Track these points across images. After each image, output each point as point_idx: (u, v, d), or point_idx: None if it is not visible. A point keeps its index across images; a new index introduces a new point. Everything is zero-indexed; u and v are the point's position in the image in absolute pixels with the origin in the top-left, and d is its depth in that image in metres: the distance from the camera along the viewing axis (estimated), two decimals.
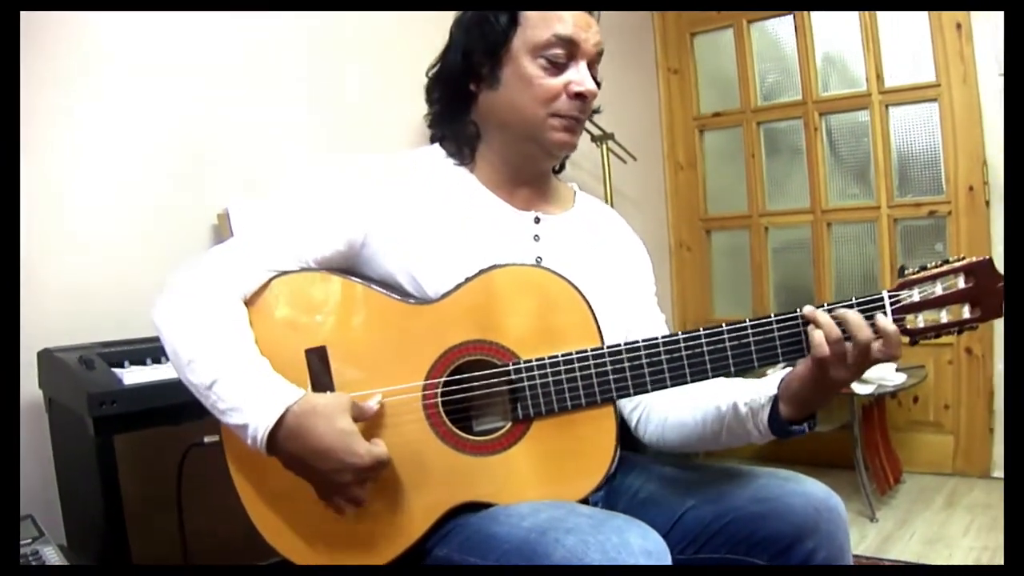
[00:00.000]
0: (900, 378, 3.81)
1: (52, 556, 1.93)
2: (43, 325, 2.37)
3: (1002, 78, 4.02)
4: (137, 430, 2.08)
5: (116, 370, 2.11)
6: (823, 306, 1.43)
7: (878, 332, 1.40)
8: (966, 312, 1.43)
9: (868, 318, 1.40)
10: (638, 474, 1.70)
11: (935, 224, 4.34)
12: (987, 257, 1.44)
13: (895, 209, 4.42)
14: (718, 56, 4.98)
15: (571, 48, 1.60)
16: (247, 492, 1.54)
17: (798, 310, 1.44)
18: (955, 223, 4.22)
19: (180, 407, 1.97)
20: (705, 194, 5.09)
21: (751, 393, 1.55)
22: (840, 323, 1.41)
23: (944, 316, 1.43)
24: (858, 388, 3.61)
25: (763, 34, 4.80)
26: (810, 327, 1.43)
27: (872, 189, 4.49)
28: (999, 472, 4.14)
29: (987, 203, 4.11)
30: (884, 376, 3.73)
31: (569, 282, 1.51)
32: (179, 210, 2.78)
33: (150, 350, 2.23)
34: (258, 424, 1.39)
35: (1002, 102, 4.02)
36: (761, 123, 4.83)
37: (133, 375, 2.09)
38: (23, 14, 2.31)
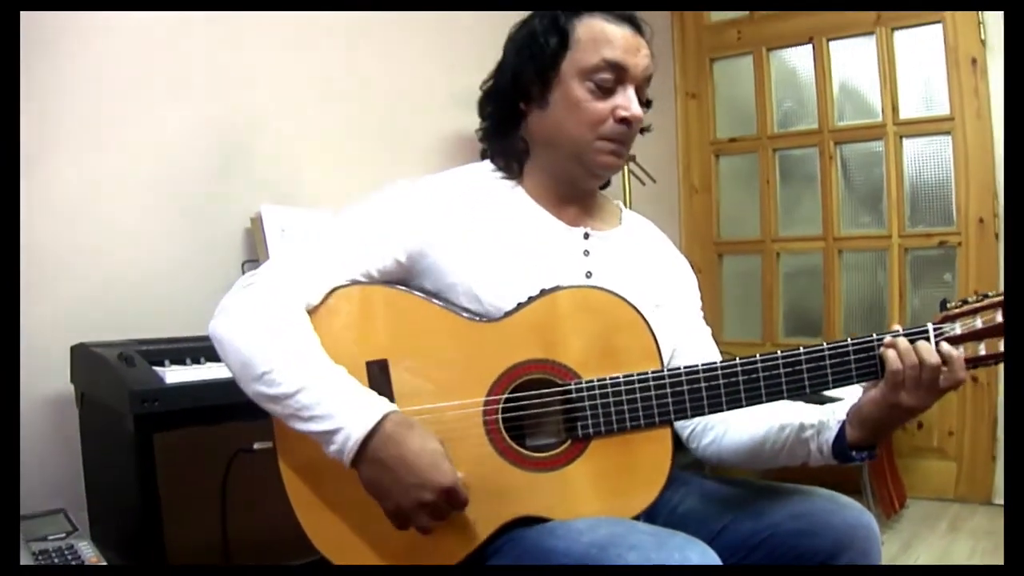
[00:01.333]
0: None
1: (88, 552, 1.95)
2: (75, 320, 2.41)
3: None
4: (177, 429, 2.09)
5: (156, 368, 2.13)
6: (872, 336, 1.49)
7: (943, 359, 1.46)
8: (1002, 346, 1.49)
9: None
10: (677, 488, 1.72)
11: (945, 254, 4.39)
12: None
13: (906, 239, 4.48)
14: (736, 82, 5.04)
15: (619, 73, 1.63)
16: (301, 502, 1.54)
17: (848, 339, 1.50)
18: (965, 254, 4.27)
19: (222, 409, 2.01)
20: (718, 218, 5.14)
21: (817, 416, 1.60)
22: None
23: (982, 348, 1.49)
24: None
25: (781, 62, 4.87)
26: (882, 349, 1.48)
27: (884, 218, 4.54)
28: (1001, 499, 4.18)
29: (996, 235, 4.16)
30: None
31: (632, 305, 1.54)
32: (212, 213, 2.83)
33: (189, 350, 2.24)
34: (352, 430, 1.39)
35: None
36: (777, 150, 4.89)
37: (175, 374, 2.11)
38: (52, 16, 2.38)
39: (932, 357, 1.45)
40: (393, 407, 1.44)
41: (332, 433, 1.40)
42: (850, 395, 1.57)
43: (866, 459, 1.57)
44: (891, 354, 1.47)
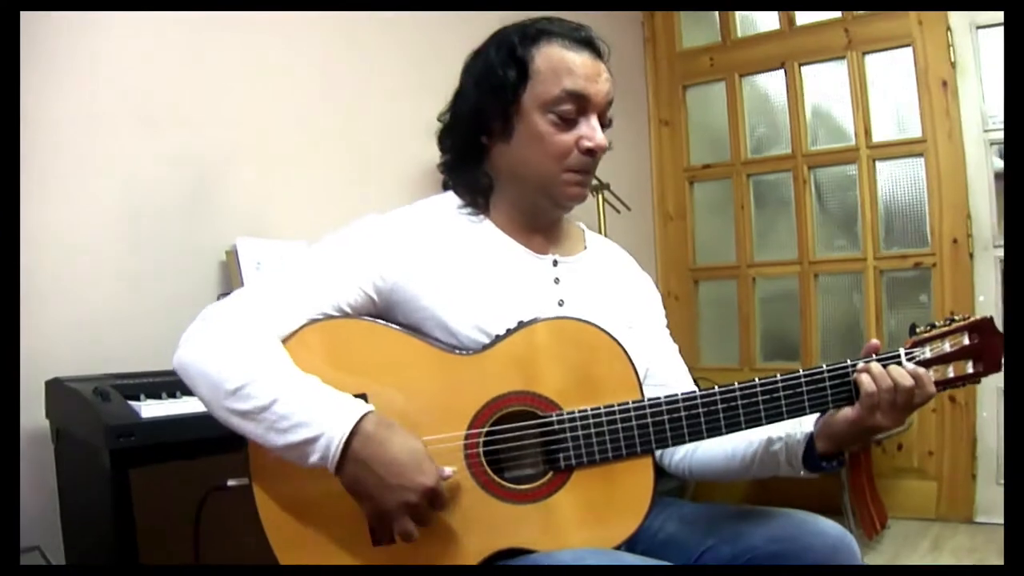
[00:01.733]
0: None
1: None
2: (49, 355, 2.38)
3: (986, 134, 4.17)
4: (154, 464, 2.06)
5: (132, 403, 2.11)
6: (846, 362, 1.52)
7: (914, 378, 1.48)
8: (969, 367, 1.54)
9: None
10: (657, 514, 1.71)
11: (920, 276, 4.43)
12: (989, 316, 1.54)
13: (881, 261, 4.52)
14: (709, 109, 5.08)
15: (581, 103, 1.59)
16: (280, 541, 1.51)
17: (823, 365, 1.52)
18: (939, 275, 4.32)
19: (199, 442, 1.99)
20: (694, 245, 5.17)
21: (785, 429, 1.60)
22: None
23: (951, 371, 1.53)
24: None
25: (754, 88, 4.92)
26: (856, 375, 1.50)
27: (859, 241, 4.58)
28: (982, 517, 4.21)
29: (971, 255, 4.22)
30: None
31: (610, 335, 1.54)
32: (187, 247, 2.82)
33: (165, 384, 2.22)
34: (334, 433, 1.36)
35: (986, 155, 4.19)
36: (751, 175, 4.92)
37: (151, 408, 2.09)
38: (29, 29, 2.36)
39: (906, 380, 1.47)
40: (370, 407, 1.41)
41: (313, 441, 1.37)
42: None
43: (836, 468, 1.59)
44: (865, 379, 1.48)
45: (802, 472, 1.60)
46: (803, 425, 1.59)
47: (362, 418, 1.39)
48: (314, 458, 1.38)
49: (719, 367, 4.98)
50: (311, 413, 1.38)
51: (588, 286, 1.72)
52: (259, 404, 1.39)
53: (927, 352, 1.52)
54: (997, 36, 4.10)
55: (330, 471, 1.39)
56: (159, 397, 2.19)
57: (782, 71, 4.74)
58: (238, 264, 2.72)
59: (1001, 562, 3.62)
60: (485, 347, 1.54)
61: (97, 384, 2.14)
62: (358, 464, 1.39)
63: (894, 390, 1.47)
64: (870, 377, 1.48)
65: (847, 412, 1.52)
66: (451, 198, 1.73)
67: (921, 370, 1.49)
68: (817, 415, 1.57)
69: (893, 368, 1.48)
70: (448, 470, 1.43)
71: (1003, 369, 1.55)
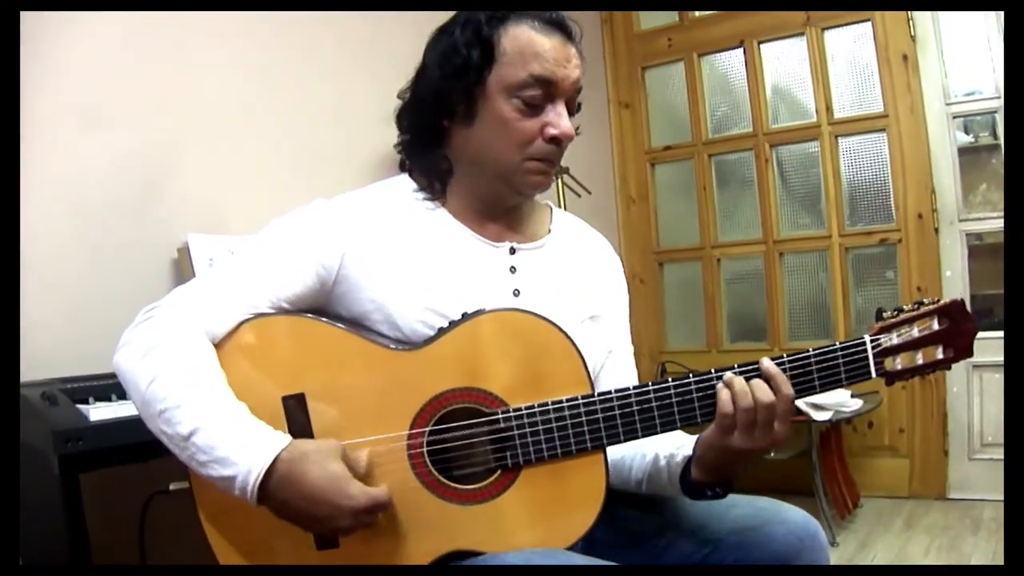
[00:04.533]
0: (856, 404, 3.87)
1: None
2: None
3: (948, 108, 4.17)
4: (104, 468, 2.02)
5: (80, 406, 2.06)
6: (782, 357, 1.45)
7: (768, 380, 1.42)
8: (939, 353, 1.47)
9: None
10: (615, 506, 1.58)
11: (885, 252, 4.43)
12: (959, 299, 1.47)
13: (846, 238, 4.51)
14: (669, 90, 5.05)
15: (548, 88, 1.53)
16: (222, 545, 1.46)
17: (760, 362, 1.45)
18: (905, 250, 4.31)
19: (148, 444, 1.92)
20: (657, 227, 5.14)
21: (671, 447, 1.54)
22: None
23: (919, 357, 1.47)
24: (815, 415, 3.67)
25: (713, 68, 4.88)
26: (719, 388, 1.43)
27: (823, 218, 4.57)
28: (955, 493, 4.22)
29: (936, 230, 4.21)
30: (841, 402, 3.79)
31: (559, 328, 1.47)
32: (138, 244, 2.74)
33: (115, 386, 2.10)
34: (247, 475, 1.31)
35: (948, 129, 4.18)
36: (712, 155, 4.90)
37: (99, 411, 2.03)
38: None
39: (767, 396, 1.40)
40: (284, 443, 1.35)
41: (230, 479, 1.32)
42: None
43: (720, 496, 1.52)
44: (724, 395, 1.42)
45: (684, 496, 1.54)
46: (687, 448, 1.52)
47: (275, 459, 1.33)
48: (235, 495, 1.33)
49: (686, 350, 4.98)
50: (226, 450, 1.33)
51: (547, 275, 1.65)
52: (180, 432, 1.35)
53: (894, 338, 1.46)
54: (957, 9, 4.09)
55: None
56: (108, 399, 2.11)
57: (741, 49, 4.71)
58: (190, 261, 2.65)
59: (974, 537, 3.62)
60: (427, 341, 1.48)
61: (45, 389, 2.09)
62: (280, 504, 1.34)
63: (753, 409, 1.40)
64: (730, 394, 1.41)
65: (705, 434, 1.46)
66: (406, 181, 1.66)
67: (775, 370, 1.42)
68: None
69: (756, 383, 1.41)
70: (362, 455, 1.39)
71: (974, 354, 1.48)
